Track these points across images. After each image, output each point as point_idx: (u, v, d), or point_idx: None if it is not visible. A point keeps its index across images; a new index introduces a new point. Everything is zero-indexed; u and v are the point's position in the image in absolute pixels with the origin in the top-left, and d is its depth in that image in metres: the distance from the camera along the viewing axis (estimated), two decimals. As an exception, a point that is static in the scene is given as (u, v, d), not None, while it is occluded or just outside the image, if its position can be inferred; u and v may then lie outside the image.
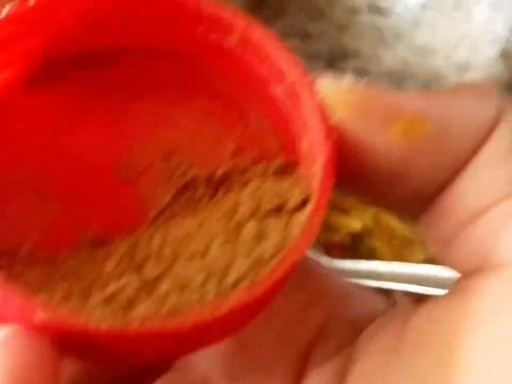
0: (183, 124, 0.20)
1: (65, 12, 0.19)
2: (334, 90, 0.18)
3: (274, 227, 0.18)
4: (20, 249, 0.18)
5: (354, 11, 0.51)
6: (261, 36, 0.19)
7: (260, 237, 0.18)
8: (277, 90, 0.19)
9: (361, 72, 0.48)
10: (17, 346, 0.16)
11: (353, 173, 0.19)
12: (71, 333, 0.15)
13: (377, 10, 0.52)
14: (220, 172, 0.20)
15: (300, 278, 0.20)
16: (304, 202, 0.18)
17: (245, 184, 0.19)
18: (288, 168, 0.19)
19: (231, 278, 0.17)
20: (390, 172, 0.19)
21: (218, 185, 0.20)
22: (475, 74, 0.50)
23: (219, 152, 0.20)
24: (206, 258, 0.17)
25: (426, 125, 0.18)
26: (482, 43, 0.49)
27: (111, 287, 0.17)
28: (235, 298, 0.16)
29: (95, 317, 0.16)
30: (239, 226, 0.18)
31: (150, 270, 0.17)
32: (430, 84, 0.50)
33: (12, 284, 0.16)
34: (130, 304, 0.17)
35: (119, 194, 0.20)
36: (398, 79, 0.51)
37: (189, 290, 0.17)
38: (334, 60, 0.50)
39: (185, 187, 0.20)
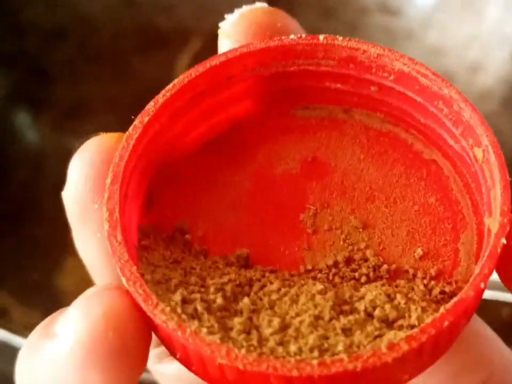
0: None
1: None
2: None
3: (365, 331, 0.17)
4: (182, 236, 0.20)
5: (365, 11, 0.52)
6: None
7: (347, 330, 0.17)
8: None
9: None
10: (111, 297, 0.16)
11: None
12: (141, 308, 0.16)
13: (387, 10, 0.52)
14: (389, 267, 0.19)
15: (464, 339, 0.19)
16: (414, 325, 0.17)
17: (400, 287, 0.19)
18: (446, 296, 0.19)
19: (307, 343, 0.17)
20: None
21: (378, 277, 0.19)
22: (486, 75, 0.50)
23: (404, 250, 0.19)
24: (293, 324, 0.17)
25: None
26: (493, 44, 0.50)
27: (199, 296, 0.17)
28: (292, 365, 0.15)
29: (170, 309, 0.16)
30: (340, 314, 0.18)
31: (254, 312, 0.18)
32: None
33: (136, 276, 0.17)
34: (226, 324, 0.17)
35: (291, 236, 0.20)
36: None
37: (288, 338, 0.17)
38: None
39: (348, 262, 0.19)
